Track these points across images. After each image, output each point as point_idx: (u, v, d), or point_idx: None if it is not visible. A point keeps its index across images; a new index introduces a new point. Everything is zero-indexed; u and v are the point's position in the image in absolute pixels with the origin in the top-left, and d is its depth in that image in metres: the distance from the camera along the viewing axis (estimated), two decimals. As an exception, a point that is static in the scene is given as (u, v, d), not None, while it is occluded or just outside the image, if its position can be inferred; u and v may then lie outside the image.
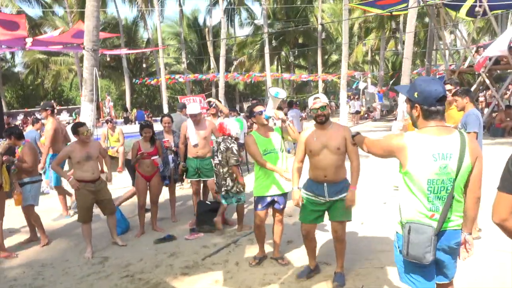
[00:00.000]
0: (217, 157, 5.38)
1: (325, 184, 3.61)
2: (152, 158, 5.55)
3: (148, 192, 5.71)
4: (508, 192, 1.85)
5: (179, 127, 7.83)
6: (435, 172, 2.28)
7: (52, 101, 20.31)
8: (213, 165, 5.59)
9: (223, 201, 5.43)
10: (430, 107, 2.32)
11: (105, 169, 5.58)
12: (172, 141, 6.14)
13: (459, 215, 2.39)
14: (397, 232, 2.48)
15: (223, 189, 5.32)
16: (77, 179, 4.96)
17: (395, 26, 28.77)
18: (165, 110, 23.14)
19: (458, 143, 2.30)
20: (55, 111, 6.87)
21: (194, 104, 5.89)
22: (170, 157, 6.13)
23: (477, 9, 12.74)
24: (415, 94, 2.36)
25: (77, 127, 5.01)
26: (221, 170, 5.34)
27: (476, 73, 14.43)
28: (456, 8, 15.67)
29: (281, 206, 4.28)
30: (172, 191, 6.29)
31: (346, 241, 3.92)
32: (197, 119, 5.74)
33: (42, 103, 7.08)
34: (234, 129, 5.37)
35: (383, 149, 2.52)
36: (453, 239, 2.39)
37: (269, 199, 4.19)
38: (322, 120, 3.59)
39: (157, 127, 6.67)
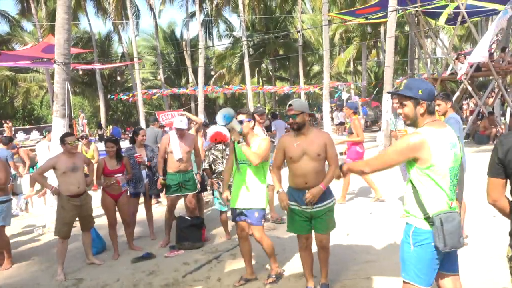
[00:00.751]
0: (222, 164, 5.42)
1: (306, 191, 3.65)
2: (115, 176, 5.42)
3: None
4: (494, 176, 2.29)
5: (152, 141, 7.74)
6: (452, 160, 2.50)
7: None
8: (218, 173, 5.59)
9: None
10: (431, 103, 2.57)
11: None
12: (144, 155, 6.04)
13: None
14: (416, 227, 2.53)
15: None
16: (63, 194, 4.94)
17: (370, 31, 29.32)
18: (142, 126, 23.00)
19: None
20: None
21: (182, 117, 5.85)
22: (144, 172, 6.09)
23: (449, 12, 13.17)
24: (420, 92, 2.53)
25: (65, 137, 5.05)
26: None
27: (459, 81, 14.81)
28: (435, 17, 16.17)
29: (249, 221, 4.09)
30: (148, 208, 6.24)
31: (331, 252, 3.97)
32: (182, 133, 5.75)
33: None
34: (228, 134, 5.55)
35: (402, 153, 2.52)
36: None
37: (238, 210, 4.15)
38: (294, 127, 3.70)
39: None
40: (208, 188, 6.43)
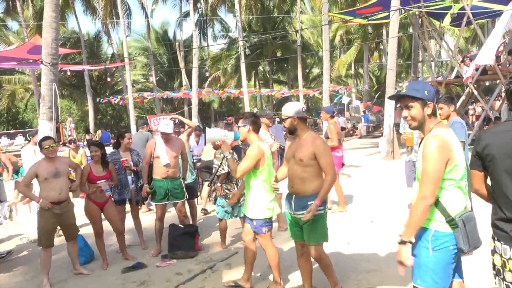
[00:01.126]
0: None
1: (293, 196, 3.75)
2: (98, 182, 5.36)
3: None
4: (474, 169, 2.54)
5: (142, 145, 7.69)
6: (464, 158, 2.63)
7: None
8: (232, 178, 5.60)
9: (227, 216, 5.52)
10: (435, 103, 2.66)
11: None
12: (130, 160, 6.04)
13: None
14: (435, 231, 2.54)
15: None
16: None
17: (371, 31, 29.45)
18: (133, 131, 22.99)
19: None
20: None
21: (167, 121, 5.84)
22: (130, 177, 6.08)
23: (452, 12, 13.29)
24: (426, 92, 2.60)
25: (42, 141, 5.01)
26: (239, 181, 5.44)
27: (465, 84, 14.90)
28: (440, 18, 16.30)
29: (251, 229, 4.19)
30: (135, 215, 6.21)
31: (332, 262, 3.96)
32: (168, 138, 5.75)
33: None
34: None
35: (441, 158, 2.48)
36: None
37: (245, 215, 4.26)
38: (287, 131, 3.88)
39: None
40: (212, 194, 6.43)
